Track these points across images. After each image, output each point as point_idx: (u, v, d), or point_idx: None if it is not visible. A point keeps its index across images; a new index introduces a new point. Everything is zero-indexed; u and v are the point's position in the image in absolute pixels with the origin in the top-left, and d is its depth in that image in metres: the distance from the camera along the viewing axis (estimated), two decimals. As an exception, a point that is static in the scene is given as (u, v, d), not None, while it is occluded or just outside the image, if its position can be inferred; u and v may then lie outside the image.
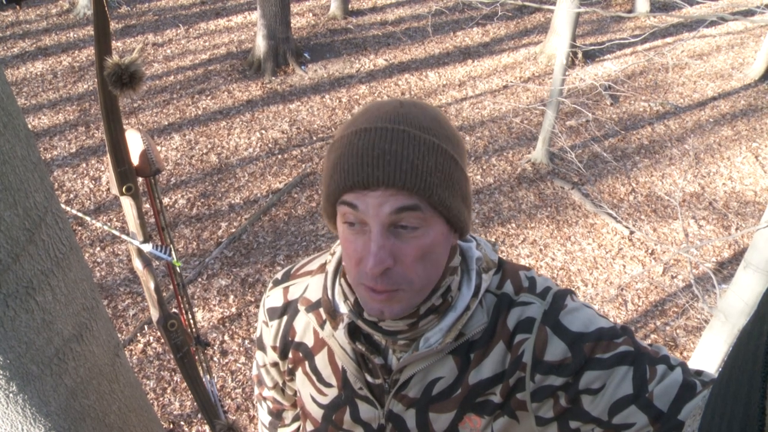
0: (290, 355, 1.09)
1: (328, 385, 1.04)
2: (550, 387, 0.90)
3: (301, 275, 1.09)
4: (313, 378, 1.05)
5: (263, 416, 1.35)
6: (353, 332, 0.96)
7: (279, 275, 1.13)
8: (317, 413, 1.07)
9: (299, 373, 1.08)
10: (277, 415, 1.31)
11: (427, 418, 0.97)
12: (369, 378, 0.98)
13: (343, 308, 0.96)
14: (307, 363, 1.06)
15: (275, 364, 1.15)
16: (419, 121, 0.82)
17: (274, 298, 1.10)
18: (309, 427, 1.11)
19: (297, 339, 1.07)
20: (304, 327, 1.06)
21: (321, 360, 1.04)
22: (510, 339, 0.93)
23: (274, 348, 1.11)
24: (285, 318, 1.08)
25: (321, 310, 1.00)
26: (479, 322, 0.92)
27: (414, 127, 0.81)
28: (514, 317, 0.93)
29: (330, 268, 1.01)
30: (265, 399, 1.30)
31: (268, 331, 1.11)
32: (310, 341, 1.05)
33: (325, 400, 1.05)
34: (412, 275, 0.83)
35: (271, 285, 1.13)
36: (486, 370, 0.93)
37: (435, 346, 0.91)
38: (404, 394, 0.97)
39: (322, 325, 0.99)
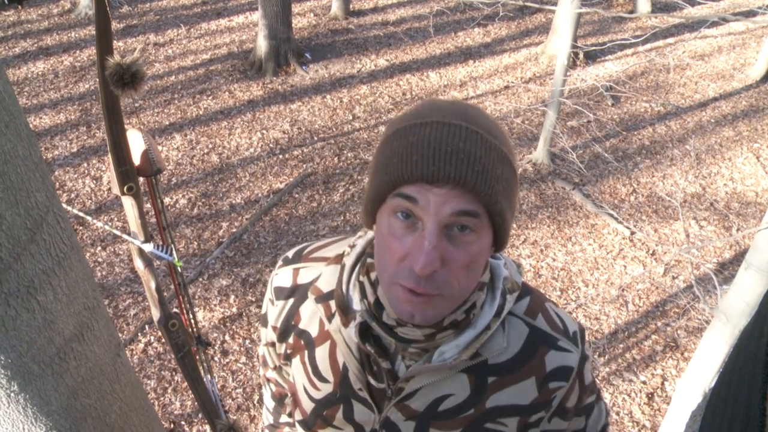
0: (290, 341, 1.05)
1: (324, 380, 1.00)
2: (557, 430, 0.98)
3: (315, 260, 1.04)
4: (309, 369, 1.02)
5: (267, 400, 1.31)
6: (364, 332, 0.92)
7: (290, 254, 1.08)
8: (308, 405, 1.04)
9: (297, 360, 1.05)
10: (279, 400, 1.28)
11: None
12: (372, 380, 0.93)
13: (357, 305, 0.93)
14: (306, 352, 1.02)
15: (272, 344, 1.11)
16: (488, 125, 0.80)
17: (282, 277, 1.06)
18: (298, 416, 1.08)
19: (301, 326, 1.03)
20: (311, 315, 1.01)
21: (321, 353, 1.00)
22: (544, 380, 0.93)
23: (274, 328, 1.07)
24: (291, 301, 1.04)
25: (332, 302, 0.96)
26: (498, 344, 0.91)
27: (485, 131, 0.79)
28: (553, 360, 0.93)
29: (348, 261, 0.97)
30: (269, 381, 1.27)
31: (273, 310, 1.07)
32: (314, 331, 1.01)
33: (317, 395, 1.02)
34: (455, 282, 0.80)
35: (281, 263, 1.08)
36: (505, 398, 0.92)
37: (449, 361, 0.88)
38: (407, 404, 0.94)
39: (330, 318, 0.96)
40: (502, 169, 0.79)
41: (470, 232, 0.78)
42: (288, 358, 1.07)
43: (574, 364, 0.94)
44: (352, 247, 1.00)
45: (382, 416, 0.96)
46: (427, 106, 0.82)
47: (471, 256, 0.79)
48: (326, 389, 1.00)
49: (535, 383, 0.93)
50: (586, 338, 1.08)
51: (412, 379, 0.91)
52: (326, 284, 0.99)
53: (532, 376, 0.92)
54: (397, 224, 0.79)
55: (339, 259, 1.00)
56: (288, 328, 1.05)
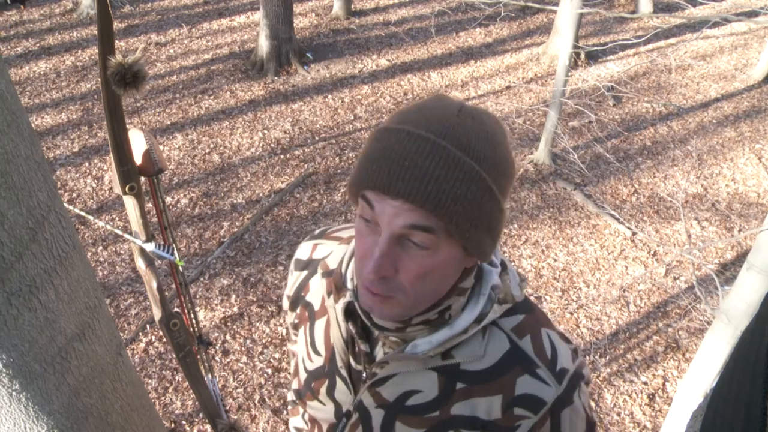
0: (298, 311, 1.10)
1: (317, 353, 1.04)
2: None
3: (332, 238, 1.10)
4: (308, 340, 1.06)
5: (292, 374, 1.35)
6: (351, 312, 0.95)
7: (317, 231, 1.15)
8: (302, 376, 1.08)
9: (301, 330, 1.09)
10: None
11: (393, 426, 0.95)
12: (352, 361, 0.97)
13: (350, 285, 0.96)
14: (308, 324, 1.07)
15: (287, 312, 1.16)
16: (468, 139, 0.77)
17: (303, 250, 1.12)
18: (294, 385, 1.12)
19: (308, 298, 1.08)
20: (316, 289, 1.07)
21: (319, 326, 1.04)
22: (510, 403, 0.90)
23: (287, 296, 1.13)
24: (305, 273, 1.10)
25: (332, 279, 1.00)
26: (473, 351, 0.90)
27: (458, 146, 0.76)
28: (524, 385, 0.90)
29: (353, 243, 0.99)
30: (292, 354, 1.30)
31: (290, 279, 1.13)
32: (316, 304, 1.06)
33: (311, 366, 1.06)
34: (409, 288, 0.81)
35: (307, 237, 1.14)
36: (470, 409, 0.91)
37: (420, 354, 0.89)
38: (378, 390, 0.95)
39: (329, 294, 0.98)
40: (467, 188, 0.76)
41: (423, 245, 0.78)
42: (296, 327, 1.11)
43: (548, 399, 0.89)
44: None
45: (357, 398, 0.98)
46: (412, 109, 0.82)
47: (425, 268, 0.79)
48: (318, 362, 1.04)
49: (500, 403, 0.90)
50: (586, 383, 0.98)
51: (386, 365, 0.93)
52: (333, 262, 1.04)
53: (500, 395, 0.90)
54: (362, 224, 0.82)
55: (349, 240, 1.05)
56: (298, 298, 1.10)
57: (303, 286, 1.09)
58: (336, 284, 0.97)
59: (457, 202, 0.75)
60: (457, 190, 0.75)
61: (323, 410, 1.04)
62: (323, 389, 1.03)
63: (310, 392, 1.06)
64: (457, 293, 0.88)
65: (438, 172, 0.75)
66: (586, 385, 0.94)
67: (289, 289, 1.13)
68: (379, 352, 0.95)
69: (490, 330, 0.91)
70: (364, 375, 0.97)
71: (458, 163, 0.75)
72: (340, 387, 1.01)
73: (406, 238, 0.78)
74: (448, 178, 0.75)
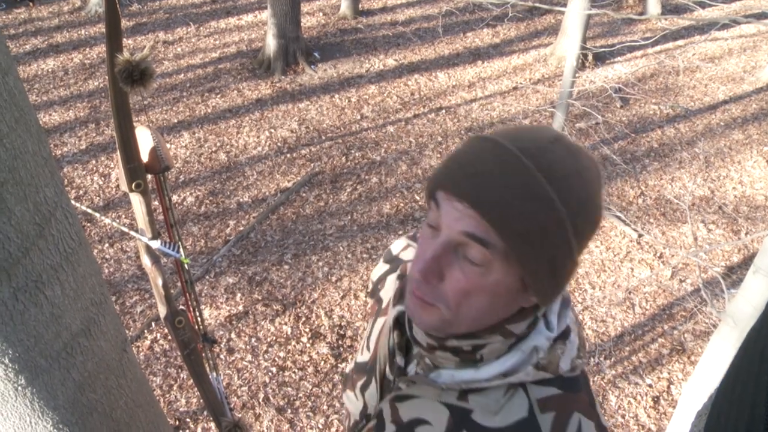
0: (373, 302, 1.12)
1: (368, 349, 1.06)
2: None
3: None
4: (367, 333, 1.08)
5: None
6: (402, 322, 0.94)
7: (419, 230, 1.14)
8: (351, 364, 1.11)
9: (369, 322, 1.11)
10: None
11: None
12: (387, 369, 0.96)
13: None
14: (374, 318, 1.09)
15: (368, 292, 1.19)
16: (553, 168, 0.72)
17: (397, 244, 1.13)
18: (349, 365, 1.14)
19: (381, 293, 1.10)
20: (389, 288, 1.07)
21: (378, 324, 1.05)
22: None
23: (371, 281, 1.16)
24: (388, 267, 1.11)
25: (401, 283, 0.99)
26: (489, 403, 0.83)
27: (540, 169, 0.72)
28: None
29: None
30: None
31: (378, 266, 1.15)
32: (384, 303, 1.07)
33: (359, 359, 1.08)
34: (452, 302, 0.77)
35: (410, 232, 1.14)
36: None
37: (439, 383, 0.86)
38: (397, 406, 0.93)
39: (395, 297, 0.99)
40: (536, 213, 0.71)
41: (476, 261, 0.74)
42: (365, 317, 1.14)
43: None
44: None
45: (379, 406, 0.98)
46: (511, 127, 0.82)
47: (472, 284, 0.75)
48: (365, 357, 1.06)
49: None
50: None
51: (411, 385, 0.91)
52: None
53: None
54: (426, 228, 0.80)
55: None
56: (375, 289, 1.13)
57: (382, 280, 1.11)
58: (400, 289, 0.96)
59: (519, 221, 0.71)
60: (523, 209, 0.71)
61: (354, 404, 1.06)
62: (359, 384, 1.04)
63: (350, 381, 1.08)
64: (501, 333, 0.82)
65: (510, 185, 0.71)
66: None
67: (374, 275, 1.14)
68: (412, 370, 0.93)
69: (516, 391, 0.83)
70: (391, 386, 0.96)
71: (534, 184, 0.71)
72: (372, 389, 1.00)
73: (461, 250, 0.75)
74: (517, 195, 0.71)
